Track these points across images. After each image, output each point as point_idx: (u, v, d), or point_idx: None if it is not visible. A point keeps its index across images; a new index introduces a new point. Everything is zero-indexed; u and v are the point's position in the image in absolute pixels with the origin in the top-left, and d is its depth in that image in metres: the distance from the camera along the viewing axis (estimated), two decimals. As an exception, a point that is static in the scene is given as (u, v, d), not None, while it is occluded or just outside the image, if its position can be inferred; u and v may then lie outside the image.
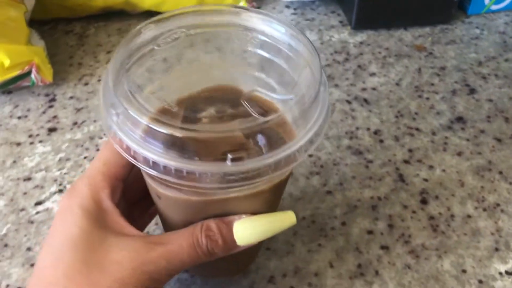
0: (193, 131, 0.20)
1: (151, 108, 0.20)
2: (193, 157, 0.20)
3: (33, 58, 0.46)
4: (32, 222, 0.37)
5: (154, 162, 0.20)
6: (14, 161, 0.42)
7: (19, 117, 0.46)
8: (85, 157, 0.42)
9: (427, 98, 0.47)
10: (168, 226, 0.28)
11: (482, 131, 0.44)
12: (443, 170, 0.40)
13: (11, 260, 0.35)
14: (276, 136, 0.21)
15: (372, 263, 0.34)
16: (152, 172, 0.20)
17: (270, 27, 0.25)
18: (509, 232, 0.36)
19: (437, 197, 0.38)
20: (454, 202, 0.38)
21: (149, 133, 0.20)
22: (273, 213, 0.25)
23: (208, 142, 0.20)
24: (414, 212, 0.37)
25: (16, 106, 0.47)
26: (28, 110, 0.47)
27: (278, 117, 0.21)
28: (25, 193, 0.39)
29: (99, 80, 0.50)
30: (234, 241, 0.23)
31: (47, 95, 0.48)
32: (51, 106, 0.47)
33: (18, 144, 0.43)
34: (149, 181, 0.24)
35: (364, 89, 0.48)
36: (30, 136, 0.44)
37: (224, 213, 0.24)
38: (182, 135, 0.19)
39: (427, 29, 0.56)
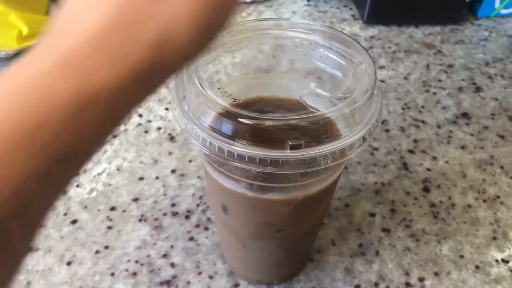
0: (260, 120, 0.21)
1: (220, 101, 0.22)
2: (256, 145, 0.21)
3: (51, 28, 0.47)
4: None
5: (219, 148, 0.22)
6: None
7: (33, 86, 0.47)
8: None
9: (434, 93, 0.48)
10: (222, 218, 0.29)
11: (486, 128, 0.45)
12: (446, 162, 0.41)
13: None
14: (331, 131, 0.23)
15: (373, 243, 0.35)
16: (217, 157, 0.22)
17: (323, 37, 0.27)
18: (507, 223, 0.37)
19: (439, 186, 0.39)
20: (456, 192, 0.39)
21: (218, 122, 0.22)
22: None
23: (272, 132, 0.22)
24: (416, 198, 0.38)
25: (31, 75, 0.48)
26: (43, 79, 0.47)
27: (334, 113, 0.22)
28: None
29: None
30: None
31: (61, 66, 0.49)
32: (65, 77, 0.48)
33: (32, 111, 0.44)
34: (210, 172, 0.26)
35: (372, 81, 0.49)
36: (44, 104, 0.45)
37: (271, 215, 0.26)
38: (251, 122, 0.21)
39: (437, 28, 0.57)
